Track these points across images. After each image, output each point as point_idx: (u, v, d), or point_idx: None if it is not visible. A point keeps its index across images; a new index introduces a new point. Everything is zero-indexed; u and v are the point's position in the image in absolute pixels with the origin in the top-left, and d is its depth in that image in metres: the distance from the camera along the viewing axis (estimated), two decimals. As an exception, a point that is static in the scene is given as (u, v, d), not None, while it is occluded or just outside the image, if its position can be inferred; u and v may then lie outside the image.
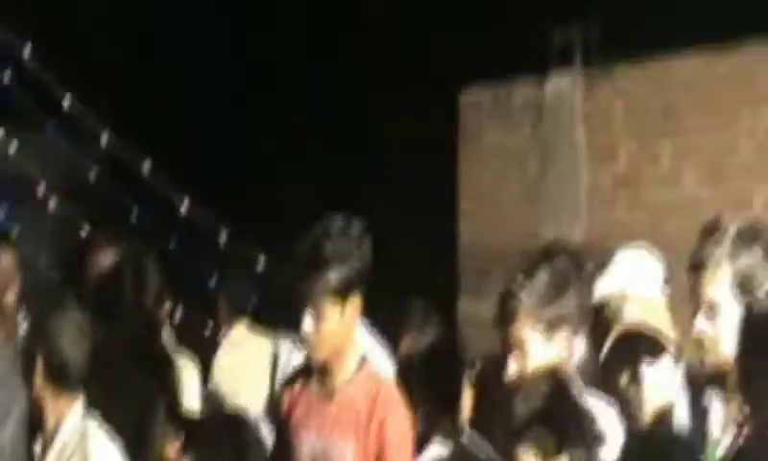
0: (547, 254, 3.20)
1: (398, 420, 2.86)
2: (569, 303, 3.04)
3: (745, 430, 2.11)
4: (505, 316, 2.83)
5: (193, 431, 3.52)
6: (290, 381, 3.13)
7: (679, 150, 4.41)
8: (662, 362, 2.51)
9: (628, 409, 2.49)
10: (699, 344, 2.54)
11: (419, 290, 4.38)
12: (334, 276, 2.77)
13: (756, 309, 2.11)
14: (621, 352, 2.49)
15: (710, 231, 2.48)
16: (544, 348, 2.88)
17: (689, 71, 4.36)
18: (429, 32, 5.54)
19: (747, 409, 2.08)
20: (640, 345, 2.50)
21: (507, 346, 2.83)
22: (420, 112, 5.47)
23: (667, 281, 3.37)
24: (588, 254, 3.66)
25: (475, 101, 5.37)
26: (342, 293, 2.80)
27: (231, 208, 5.46)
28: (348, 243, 2.83)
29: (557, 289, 2.97)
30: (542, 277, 2.91)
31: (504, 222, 5.21)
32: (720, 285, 2.43)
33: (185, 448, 3.48)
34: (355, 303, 2.85)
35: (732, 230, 2.45)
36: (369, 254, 2.90)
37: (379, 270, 2.86)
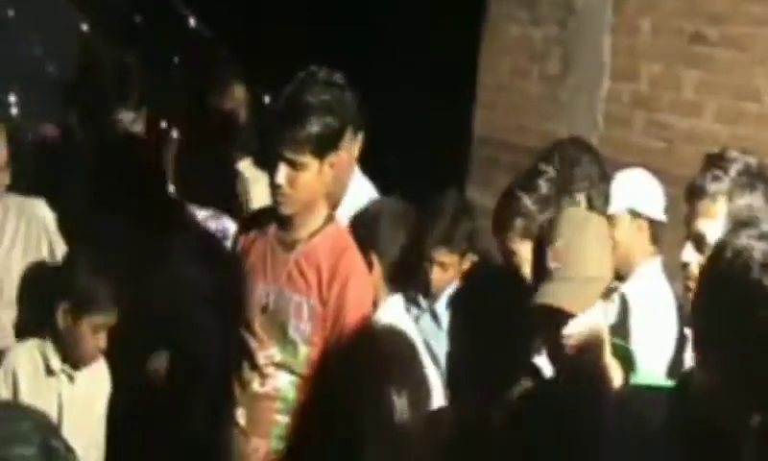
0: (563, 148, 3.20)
1: (361, 284, 2.80)
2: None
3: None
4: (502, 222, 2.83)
5: None
6: (250, 221, 3.03)
7: (701, 82, 4.44)
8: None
9: None
10: (685, 273, 2.57)
11: (428, 176, 4.53)
12: (314, 128, 2.69)
13: (724, 262, 1.64)
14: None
15: (714, 163, 2.45)
16: None
17: (722, 5, 4.34)
18: None
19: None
20: None
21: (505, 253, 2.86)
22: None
23: (667, 208, 3.46)
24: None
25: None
26: (320, 146, 2.71)
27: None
28: (330, 96, 2.74)
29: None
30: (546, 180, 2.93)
31: (520, 118, 5.27)
32: (714, 220, 2.41)
33: None
34: (335, 159, 2.77)
35: (736, 166, 2.42)
36: (353, 110, 2.83)
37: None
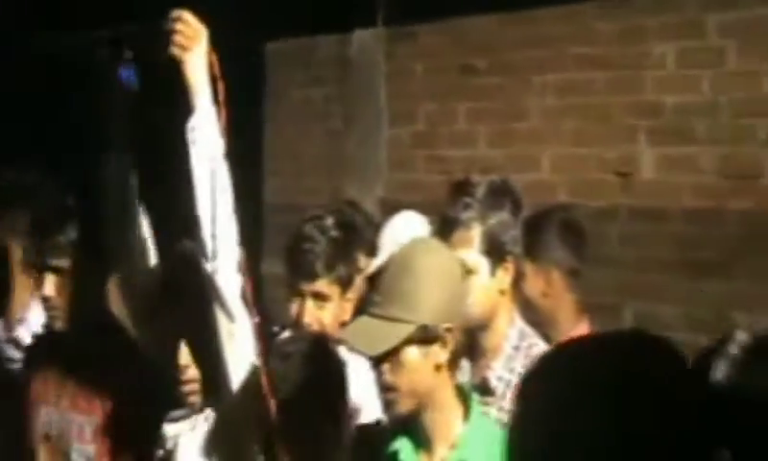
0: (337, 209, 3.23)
1: None
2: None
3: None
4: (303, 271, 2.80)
5: None
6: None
7: (473, 111, 4.50)
8: None
9: None
10: None
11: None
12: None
13: None
14: None
15: (460, 190, 2.46)
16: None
17: (484, 34, 4.45)
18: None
19: None
20: None
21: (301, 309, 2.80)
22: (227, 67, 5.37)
23: None
24: (388, 210, 3.73)
25: (281, 55, 5.32)
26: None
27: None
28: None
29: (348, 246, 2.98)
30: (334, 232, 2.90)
31: (308, 179, 5.20)
32: (471, 247, 2.41)
33: None
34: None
35: (481, 188, 2.42)
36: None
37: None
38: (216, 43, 5.32)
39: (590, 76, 4.14)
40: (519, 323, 2.50)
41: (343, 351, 2.53)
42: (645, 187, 3.94)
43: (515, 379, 2.37)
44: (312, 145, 5.20)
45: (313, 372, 2.30)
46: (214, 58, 2.36)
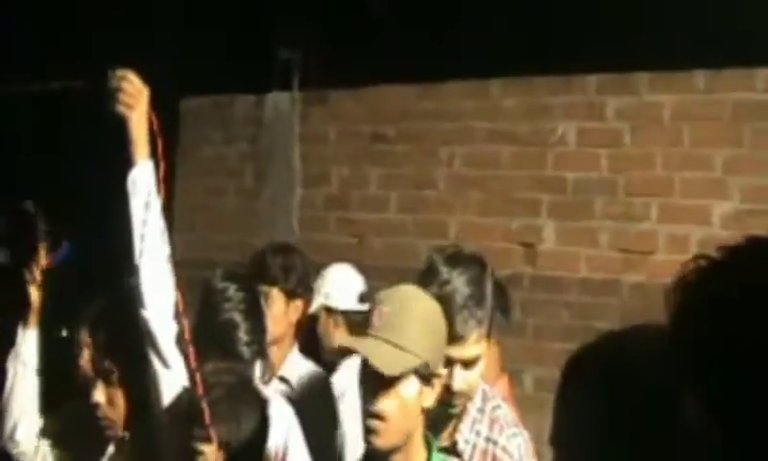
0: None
1: None
2: None
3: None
4: None
5: None
6: None
7: (385, 176, 4.67)
8: None
9: None
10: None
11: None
12: None
13: None
14: None
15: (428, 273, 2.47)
16: None
17: (396, 104, 4.63)
18: (153, 33, 5.50)
19: None
20: None
21: None
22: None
23: (364, 296, 3.61)
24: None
25: (195, 112, 5.40)
26: None
27: None
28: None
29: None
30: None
31: (219, 235, 5.28)
32: None
33: None
34: None
35: (440, 265, 2.45)
36: None
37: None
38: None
39: (496, 149, 4.36)
40: (482, 384, 2.55)
41: (266, 390, 2.64)
42: (546, 258, 4.17)
43: (480, 442, 2.46)
44: (224, 201, 5.28)
45: (235, 403, 2.37)
46: (154, 115, 2.49)
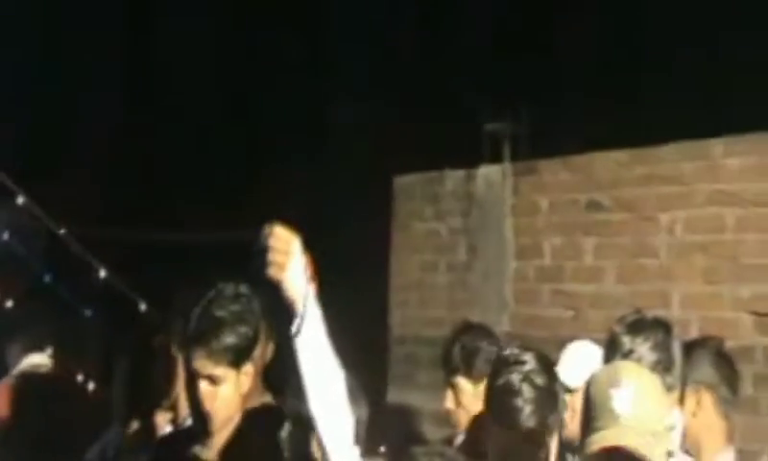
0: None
1: None
2: None
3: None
4: None
5: None
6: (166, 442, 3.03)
7: (600, 246, 4.50)
8: None
9: None
10: None
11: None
12: (229, 339, 2.64)
13: None
14: None
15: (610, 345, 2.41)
16: None
17: (609, 172, 4.48)
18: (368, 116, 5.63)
19: None
20: None
21: None
22: (356, 197, 5.53)
23: None
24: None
25: (407, 189, 5.45)
26: (237, 356, 2.65)
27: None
28: (239, 307, 2.69)
29: None
30: None
31: (433, 310, 5.25)
32: None
33: None
34: (250, 369, 2.70)
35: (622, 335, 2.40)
36: (262, 319, 2.75)
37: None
38: (347, 175, 5.51)
39: (720, 212, 4.11)
40: (681, 457, 2.45)
41: None
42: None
43: None
44: (436, 276, 5.27)
45: None
46: (309, 259, 2.28)
